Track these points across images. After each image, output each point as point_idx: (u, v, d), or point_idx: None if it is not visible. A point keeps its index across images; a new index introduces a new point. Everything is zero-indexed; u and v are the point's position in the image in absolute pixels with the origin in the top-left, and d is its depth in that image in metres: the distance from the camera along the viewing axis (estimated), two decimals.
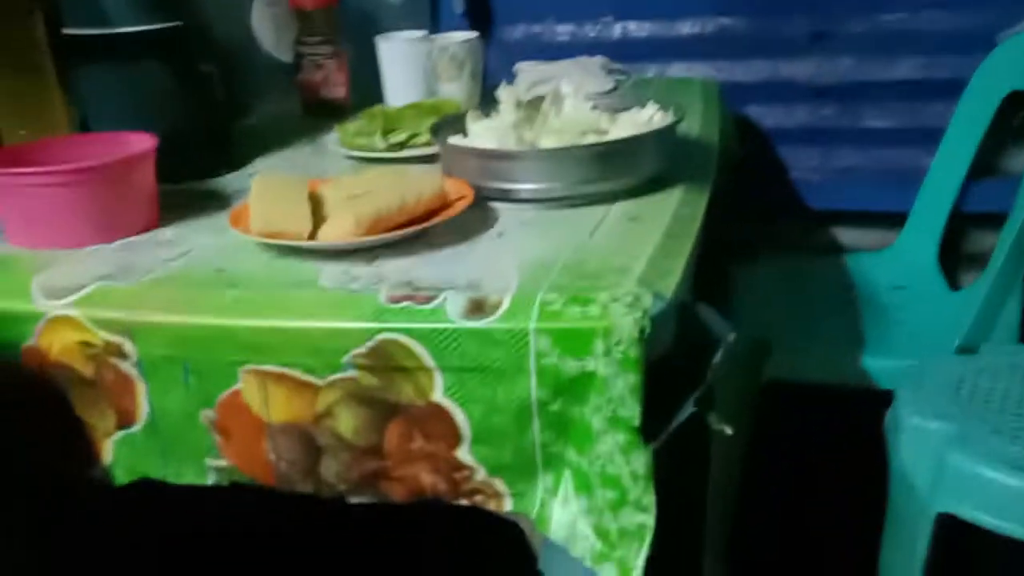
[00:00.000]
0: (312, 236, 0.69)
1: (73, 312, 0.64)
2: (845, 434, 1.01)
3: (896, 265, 1.20)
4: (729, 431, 0.62)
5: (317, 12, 1.14)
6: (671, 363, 0.61)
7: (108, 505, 0.73)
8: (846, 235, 1.34)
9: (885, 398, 0.88)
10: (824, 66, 1.28)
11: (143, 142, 0.77)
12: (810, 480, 1.16)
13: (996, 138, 1.18)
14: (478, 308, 0.60)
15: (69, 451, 0.68)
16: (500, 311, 0.59)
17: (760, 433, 1.02)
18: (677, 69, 1.34)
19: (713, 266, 0.97)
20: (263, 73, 1.22)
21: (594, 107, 0.90)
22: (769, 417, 1.04)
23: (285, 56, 1.20)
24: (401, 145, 0.98)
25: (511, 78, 1.28)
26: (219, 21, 1.15)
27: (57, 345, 0.65)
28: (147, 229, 0.77)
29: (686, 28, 1.33)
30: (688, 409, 0.60)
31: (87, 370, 0.65)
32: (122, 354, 0.64)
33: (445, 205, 0.75)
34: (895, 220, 1.23)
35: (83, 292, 0.65)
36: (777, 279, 1.23)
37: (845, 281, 1.20)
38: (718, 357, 0.62)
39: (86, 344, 0.64)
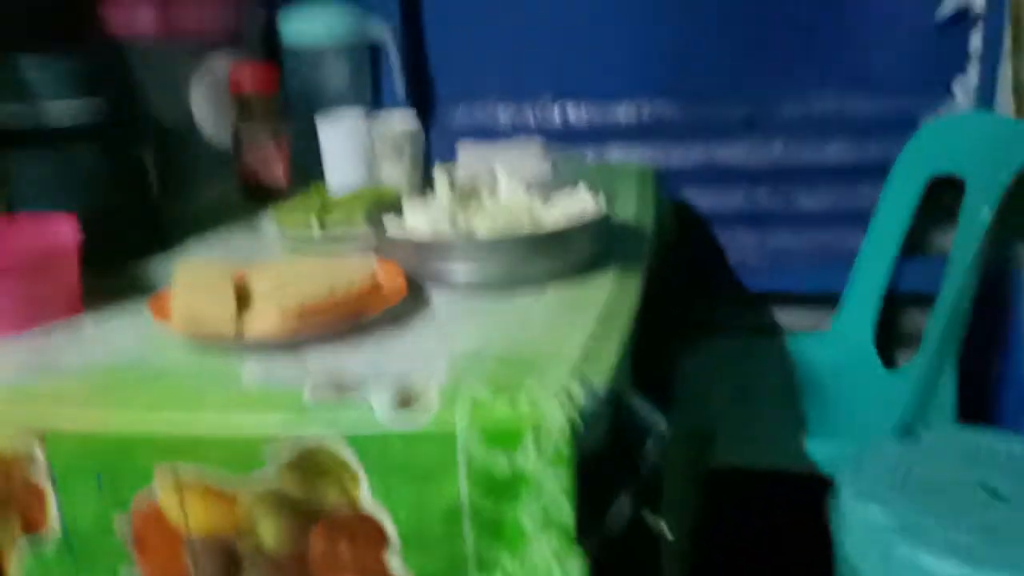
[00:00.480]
0: (236, 329, 0.67)
1: None
2: (791, 521, 1.00)
3: (833, 346, 1.21)
4: (669, 534, 0.60)
5: (256, 97, 1.14)
6: (607, 459, 0.60)
7: None
8: (786, 316, 1.35)
9: (828, 482, 0.87)
10: (757, 150, 1.32)
11: (66, 225, 0.75)
12: (758, 569, 1.14)
13: (925, 218, 1.21)
14: (405, 402, 0.58)
15: None
16: (427, 406, 0.57)
17: (706, 521, 1.01)
18: (616, 152, 1.37)
19: (652, 349, 0.97)
20: (203, 157, 1.20)
21: (529, 191, 0.91)
22: (715, 505, 1.03)
23: (225, 140, 1.19)
24: (337, 231, 0.96)
25: (453, 157, 1.28)
26: (160, 106, 1.15)
27: None
28: (66, 319, 0.74)
29: (622, 112, 1.36)
30: (623, 508, 0.58)
31: None
32: (31, 460, 0.60)
33: (378, 291, 0.74)
34: (832, 300, 1.25)
35: None
36: (719, 361, 1.23)
37: (786, 362, 1.21)
38: (648, 448, 0.61)
39: None
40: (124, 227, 0.90)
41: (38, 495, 0.61)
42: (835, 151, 1.29)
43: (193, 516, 0.60)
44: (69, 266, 0.74)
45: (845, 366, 1.18)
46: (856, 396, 1.11)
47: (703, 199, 1.34)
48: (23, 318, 0.71)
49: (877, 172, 1.22)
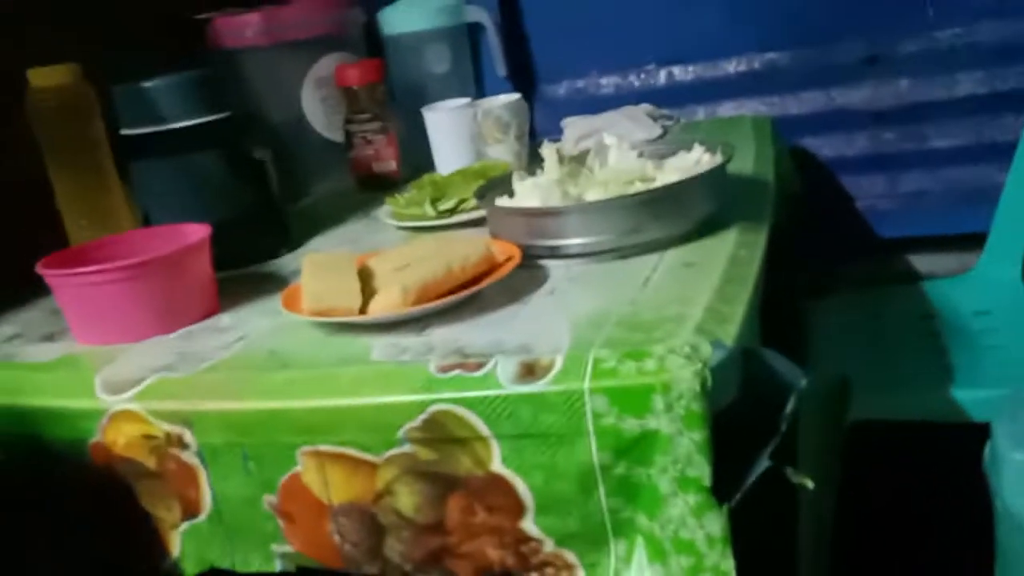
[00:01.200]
0: (363, 310, 0.69)
1: (134, 406, 0.65)
2: (941, 473, 0.94)
3: (978, 289, 1.13)
4: (810, 484, 0.58)
5: (363, 90, 1.17)
6: (740, 415, 0.58)
7: None
8: (922, 262, 1.27)
9: (981, 431, 0.82)
10: (881, 90, 1.24)
11: (198, 232, 0.79)
12: (908, 525, 1.09)
13: None
14: (529, 371, 0.58)
15: (138, 545, 0.68)
16: (552, 373, 0.57)
17: (849, 479, 0.97)
18: (727, 108, 1.32)
19: (782, 307, 0.93)
20: (317, 154, 1.25)
21: (640, 155, 0.89)
22: (857, 461, 0.98)
23: (336, 135, 1.23)
24: (450, 212, 0.98)
25: (559, 134, 1.28)
26: (272, 109, 1.20)
27: (121, 439, 0.65)
28: (206, 316, 0.78)
29: (732, 67, 1.31)
30: (763, 464, 0.57)
31: (151, 462, 0.65)
32: (183, 444, 0.64)
33: (493, 268, 0.74)
34: (973, 242, 1.16)
35: (143, 385, 0.66)
36: (853, 314, 1.17)
37: (925, 310, 1.13)
38: (790, 405, 0.58)
39: (148, 436, 0.65)
40: (251, 229, 0.94)
41: (192, 476, 0.65)
42: (968, 83, 1.20)
43: (335, 488, 0.62)
44: (202, 265, 0.78)
45: (993, 309, 1.10)
46: (1007, 340, 1.03)
47: (826, 146, 1.28)
48: (167, 319, 0.75)
49: (1017, 101, 1.13)
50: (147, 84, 0.88)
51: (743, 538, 0.57)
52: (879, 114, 1.24)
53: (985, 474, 0.80)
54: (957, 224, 1.21)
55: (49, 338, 0.79)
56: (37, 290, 0.84)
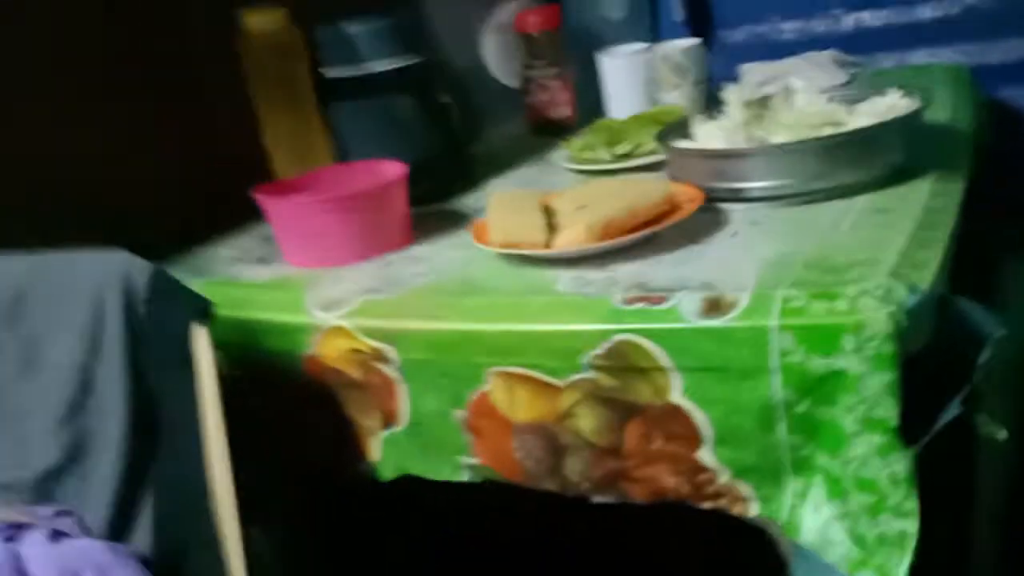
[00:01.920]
0: (547, 245, 0.72)
1: (345, 323, 0.71)
2: None
3: None
4: (1003, 434, 0.57)
5: (541, 36, 1.19)
6: (931, 360, 0.57)
7: (376, 499, 0.80)
8: None
9: None
10: None
11: (395, 169, 0.85)
12: None
13: None
14: (714, 307, 0.60)
15: (343, 450, 0.75)
16: (737, 310, 0.59)
17: None
18: (919, 56, 1.25)
19: (974, 262, 0.89)
20: (494, 98, 1.28)
21: (830, 99, 0.87)
22: None
23: (513, 81, 1.26)
24: (627, 156, 0.99)
25: (736, 81, 1.25)
26: (453, 53, 1.24)
27: (332, 353, 0.72)
28: (402, 246, 0.84)
29: (927, 12, 1.23)
30: (953, 410, 0.56)
31: (357, 374, 0.72)
32: (386, 359, 0.70)
33: (674, 209, 0.75)
34: None
35: (352, 305, 0.72)
36: None
37: None
38: (985, 355, 0.57)
39: (356, 351, 0.71)
40: (437, 167, 0.99)
41: (391, 389, 0.71)
42: None
43: (520, 407, 0.66)
44: (400, 200, 0.84)
45: None
46: None
47: None
48: (367, 247, 0.81)
49: None
50: (349, 28, 0.94)
51: (923, 482, 0.57)
52: None
53: None
54: None
55: (263, 260, 0.87)
56: (249, 218, 0.94)
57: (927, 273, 0.59)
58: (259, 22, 0.98)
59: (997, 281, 1.05)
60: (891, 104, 0.82)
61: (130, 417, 0.69)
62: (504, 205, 0.79)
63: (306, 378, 0.74)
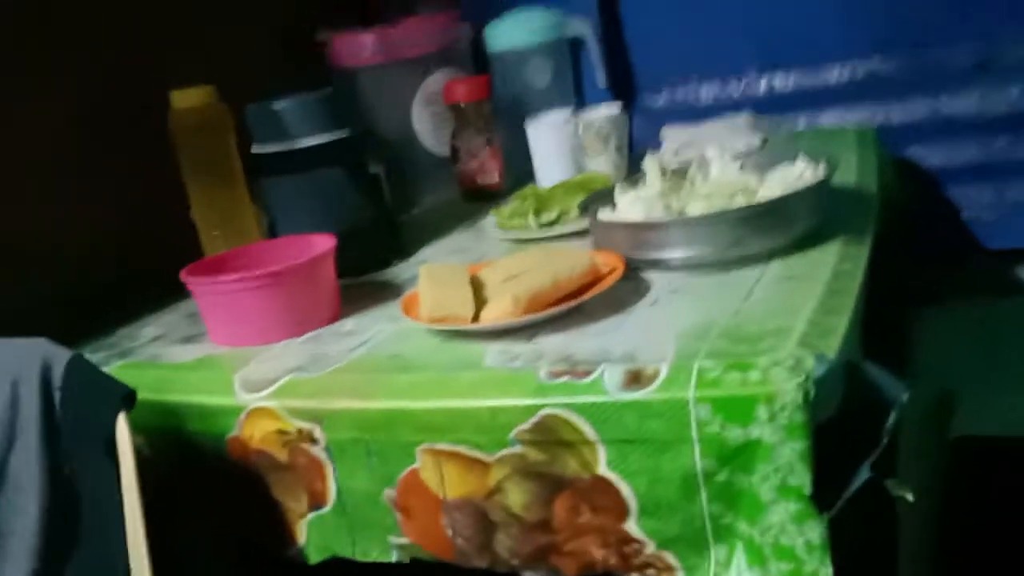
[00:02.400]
0: (475, 318, 0.73)
1: (269, 403, 0.71)
2: None
3: None
4: (910, 497, 0.59)
5: (469, 106, 1.22)
6: (842, 426, 0.60)
7: None
8: None
9: None
10: (991, 96, 1.21)
11: (324, 243, 0.85)
12: (1011, 543, 1.06)
13: None
14: (635, 379, 0.61)
15: (268, 532, 0.74)
16: (657, 382, 0.60)
17: (952, 493, 0.95)
18: (829, 117, 1.31)
19: (888, 317, 0.93)
20: (426, 166, 1.30)
21: (741, 167, 0.91)
22: (961, 476, 0.97)
23: (443, 149, 1.28)
24: (553, 223, 1.01)
25: (658, 144, 1.30)
26: (384, 124, 1.26)
27: (257, 434, 0.72)
28: (331, 321, 0.84)
29: (835, 74, 1.30)
30: (864, 475, 0.58)
31: (282, 456, 0.71)
32: (312, 439, 0.70)
33: (597, 279, 0.77)
34: None
35: (277, 384, 0.72)
36: (961, 325, 1.15)
37: None
38: (892, 419, 0.60)
39: (281, 432, 0.71)
40: (369, 239, 1.00)
41: (319, 469, 0.71)
42: None
43: (450, 484, 0.66)
44: (328, 274, 0.84)
45: None
46: None
47: (931, 155, 1.26)
48: (294, 323, 0.81)
49: None
50: (276, 104, 0.95)
51: (842, 549, 0.59)
52: (989, 122, 1.21)
53: None
54: None
55: (189, 340, 0.86)
56: (176, 295, 0.93)
57: (834, 340, 0.62)
58: (186, 99, 0.98)
59: (910, 331, 1.10)
60: (799, 173, 0.86)
61: (47, 504, 0.68)
62: (433, 278, 0.80)
63: (230, 461, 0.73)
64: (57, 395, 0.68)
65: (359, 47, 1.24)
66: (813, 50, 1.30)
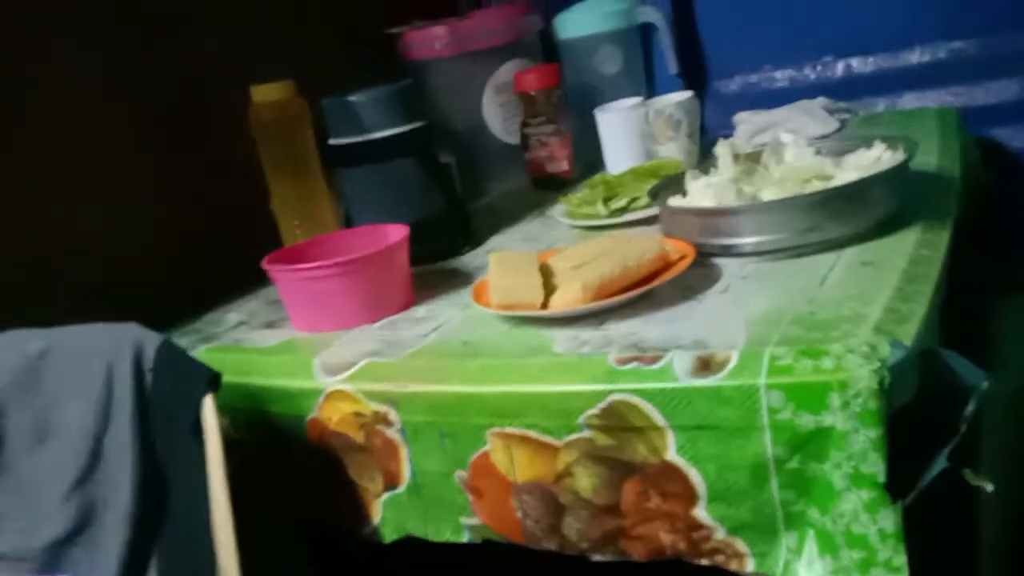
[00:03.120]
0: (544, 305, 0.74)
1: (347, 386, 0.73)
2: None
3: None
4: (989, 487, 0.57)
5: (539, 94, 1.22)
6: (919, 414, 0.58)
7: (378, 560, 0.81)
8: None
9: None
10: None
11: (398, 232, 0.87)
12: None
13: None
14: (705, 366, 0.61)
15: (345, 511, 0.77)
16: (728, 368, 0.60)
17: None
18: (909, 100, 1.27)
19: (969, 303, 0.90)
20: (495, 156, 1.32)
21: (817, 152, 0.89)
22: None
23: (513, 138, 1.29)
24: (622, 210, 1.01)
25: (731, 130, 1.28)
26: (455, 115, 1.28)
27: (335, 416, 0.74)
28: (405, 308, 0.86)
29: (915, 57, 1.26)
30: (940, 464, 0.57)
31: (359, 437, 0.74)
32: (388, 422, 0.72)
33: (667, 265, 0.77)
34: None
35: (354, 368, 0.74)
36: None
37: None
38: (970, 407, 0.58)
39: (358, 414, 0.73)
40: (441, 227, 1.02)
41: (394, 450, 0.73)
42: None
43: (520, 467, 0.68)
44: (402, 262, 0.87)
45: None
46: None
47: (1017, 137, 1.21)
48: (370, 310, 0.84)
49: None
50: (352, 98, 0.98)
51: (918, 538, 0.58)
52: None
53: None
54: None
55: (270, 325, 0.90)
56: (257, 282, 0.96)
57: (911, 327, 0.61)
58: (266, 94, 1.02)
59: (992, 323, 1.06)
60: (876, 157, 0.84)
61: (138, 485, 0.71)
62: (503, 266, 0.81)
63: (309, 441, 0.76)
64: (148, 377, 0.71)
65: (430, 40, 1.26)
66: (890, 34, 1.27)
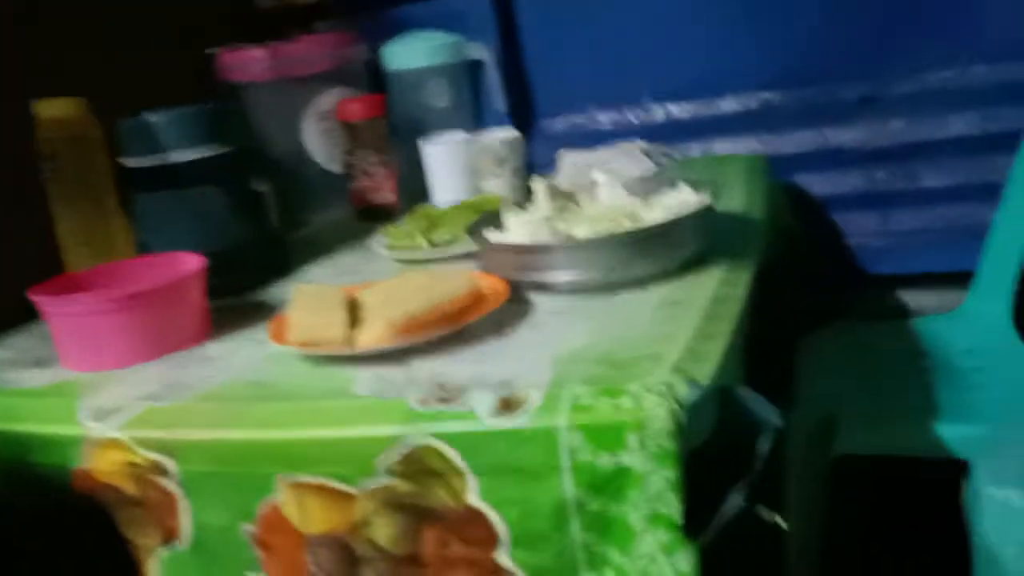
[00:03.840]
0: (348, 342, 0.70)
1: (118, 434, 0.66)
2: (924, 508, 0.94)
3: (967, 327, 1.13)
4: (783, 524, 0.58)
5: (363, 124, 1.19)
6: (716, 453, 0.59)
7: None
8: (914, 299, 1.28)
9: (962, 468, 0.82)
10: (874, 129, 1.25)
11: (192, 262, 0.81)
12: (891, 558, 1.08)
13: None
14: (507, 406, 0.59)
15: (117, 572, 0.69)
16: (529, 408, 0.58)
17: (835, 512, 0.96)
18: (722, 146, 1.34)
19: (773, 341, 0.94)
20: (317, 185, 1.27)
21: (629, 192, 0.90)
22: (845, 493, 0.98)
23: (337, 167, 1.25)
24: (444, 244, 0.99)
25: (555, 168, 1.29)
26: (275, 141, 1.22)
27: (106, 467, 0.66)
28: (195, 344, 0.79)
29: (728, 105, 1.33)
30: (736, 502, 0.57)
31: (132, 489, 0.66)
32: (165, 472, 0.65)
33: (480, 302, 0.75)
34: (963, 280, 1.17)
35: (128, 414, 0.67)
36: (845, 349, 1.18)
37: (915, 347, 1.14)
38: (765, 445, 0.59)
39: (131, 464, 0.66)
40: (247, 258, 0.96)
41: (171, 503, 0.66)
42: (960, 124, 1.21)
43: (312, 518, 0.63)
44: (194, 295, 0.80)
45: (980, 347, 1.10)
46: (993, 379, 1.03)
47: (819, 184, 1.29)
48: (153, 347, 0.76)
49: (1008, 142, 1.14)
50: (150, 118, 0.91)
51: (727, 572, 0.58)
52: (872, 153, 1.26)
53: (965, 510, 0.81)
54: (948, 262, 1.21)
55: (41, 363, 0.80)
56: (36, 314, 0.86)
57: (709, 366, 0.61)
58: (53, 110, 0.92)
59: (795, 360, 1.12)
60: (683, 199, 0.86)
61: None
62: (306, 300, 0.77)
63: (77, 495, 0.68)
64: None
65: (249, 63, 1.20)
66: (706, 82, 1.33)
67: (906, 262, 1.24)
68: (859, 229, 1.27)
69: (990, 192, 1.16)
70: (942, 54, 1.22)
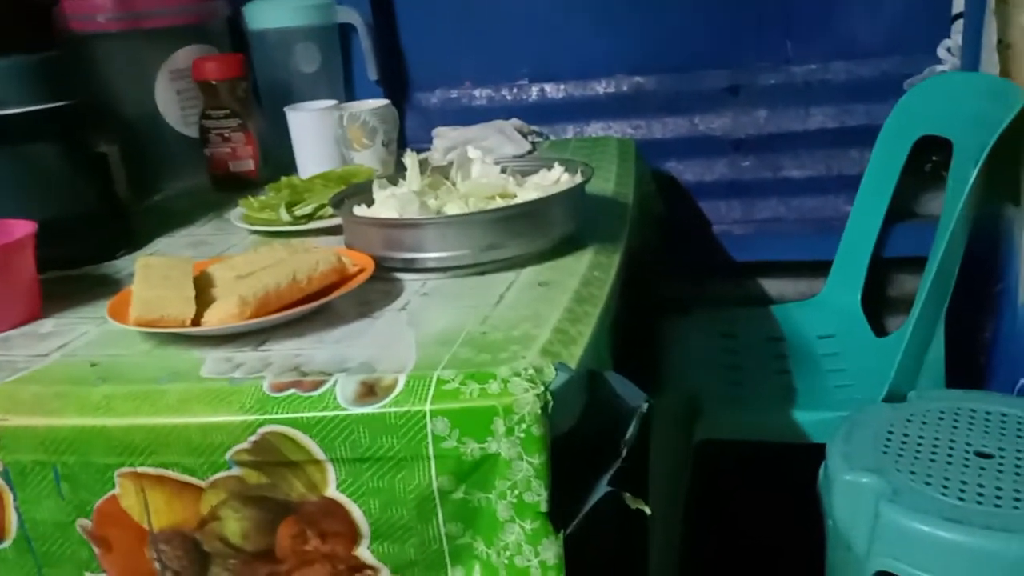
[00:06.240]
0: (197, 321, 0.65)
1: None
2: (782, 492, 0.98)
3: (822, 314, 1.19)
4: (647, 510, 0.58)
5: (222, 85, 1.11)
6: (583, 438, 0.58)
7: None
8: (774, 286, 1.33)
9: (819, 452, 0.86)
10: (741, 119, 1.29)
11: (20, 229, 0.73)
12: (750, 541, 1.13)
13: (912, 182, 1.19)
14: (370, 392, 0.56)
15: None
16: (393, 394, 0.55)
17: (698, 494, 0.99)
18: (595, 128, 1.34)
19: (638, 325, 0.94)
20: (172, 149, 1.18)
21: (503, 171, 0.88)
22: (707, 477, 1.01)
23: (193, 131, 1.16)
24: (307, 218, 0.94)
25: (430, 143, 1.26)
26: (125, 100, 1.13)
27: None
28: (26, 321, 0.72)
29: (602, 88, 1.33)
30: (601, 489, 0.56)
31: None
32: None
33: (343, 279, 0.71)
34: (822, 268, 1.22)
35: None
36: (707, 334, 1.21)
37: (775, 333, 1.18)
38: (632, 429, 0.59)
39: None
40: (90, 227, 0.88)
41: None
42: (821, 117, 1.27)
43: (156, 512, 0.58)
44: (24, 266, 0.72)
45: (835, 334, 1.15)
46: (846, 364, 1.09)
47: (687, 170, 1.32)
48: None
49: (864, 137, 1.20)
50: None
51: (585, 565, 0.57)
52: (738, 142, 1.29)
53: (819, 493, 0.84)
54: (807, 251, 1.26)
55: None
56: None
57: (578, 349, 0.60)
58: None
59: (661, 344, 1.14)
60: (556, 179, 0.85)
61: None
62: (151, 274, 0.70)
63: None
64: None
65: (93, 11, 1.09)
66: (581, 63, 1.33)
67: (768, 250, 1.29)
68: (724, 217, 1.31)
69: (846, 184, 1.22)
70: (805, 48, 1.27)
